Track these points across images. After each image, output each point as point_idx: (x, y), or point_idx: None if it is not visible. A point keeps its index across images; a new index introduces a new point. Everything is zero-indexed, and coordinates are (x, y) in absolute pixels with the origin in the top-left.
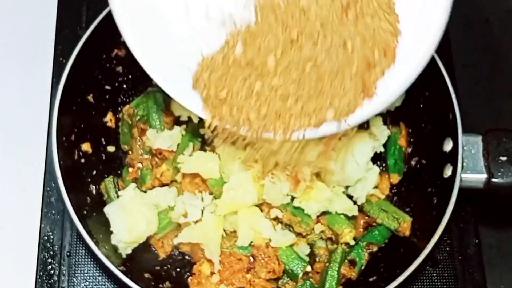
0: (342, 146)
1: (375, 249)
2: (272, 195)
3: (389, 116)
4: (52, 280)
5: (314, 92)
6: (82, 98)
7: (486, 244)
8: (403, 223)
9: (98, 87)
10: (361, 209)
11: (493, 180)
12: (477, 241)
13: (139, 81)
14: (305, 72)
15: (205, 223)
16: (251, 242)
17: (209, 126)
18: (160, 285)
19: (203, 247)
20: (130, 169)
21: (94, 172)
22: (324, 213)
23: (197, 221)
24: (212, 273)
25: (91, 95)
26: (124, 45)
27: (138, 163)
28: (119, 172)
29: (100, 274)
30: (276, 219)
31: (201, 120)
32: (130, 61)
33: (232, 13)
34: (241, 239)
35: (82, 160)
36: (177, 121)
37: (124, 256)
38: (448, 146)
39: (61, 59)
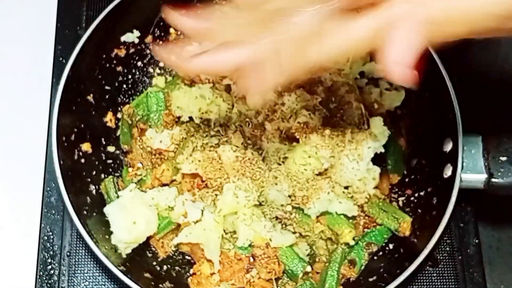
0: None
1: (375, 249)
2: (272, 195)
3: (389, 116)
4: (52, 280)
5: None
6: (82, 98)
7: (486, 244)
8: (403, 223)
9: (98, 87)
10: (361, 209)
11: (493, 180)
12: (477, 241)
13: (139, 81)
14: None
15: (205, 223)
16: (251, 242)
17: None
18: (160, 285)
19: (203, 247)
20: (130, 169)
21: (94, 172)
22: (324, 213)
23: (197, 221)
24: (212, 273)
25: (91, 95)
26: (124, 45)
27: (138, 163)
28: (119, 172)
29: (100, 274)
30: (276, 219)
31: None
32: (130, 61)
33: None
34: (241, 239)
35: (82, 160)
36: (177, 121)
37: (124, 256)
38: (448, 146)
39: (61, 59)
